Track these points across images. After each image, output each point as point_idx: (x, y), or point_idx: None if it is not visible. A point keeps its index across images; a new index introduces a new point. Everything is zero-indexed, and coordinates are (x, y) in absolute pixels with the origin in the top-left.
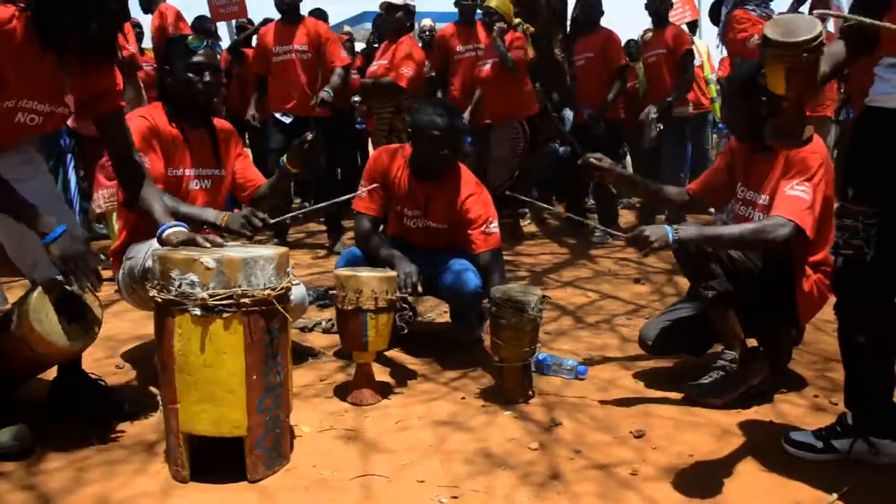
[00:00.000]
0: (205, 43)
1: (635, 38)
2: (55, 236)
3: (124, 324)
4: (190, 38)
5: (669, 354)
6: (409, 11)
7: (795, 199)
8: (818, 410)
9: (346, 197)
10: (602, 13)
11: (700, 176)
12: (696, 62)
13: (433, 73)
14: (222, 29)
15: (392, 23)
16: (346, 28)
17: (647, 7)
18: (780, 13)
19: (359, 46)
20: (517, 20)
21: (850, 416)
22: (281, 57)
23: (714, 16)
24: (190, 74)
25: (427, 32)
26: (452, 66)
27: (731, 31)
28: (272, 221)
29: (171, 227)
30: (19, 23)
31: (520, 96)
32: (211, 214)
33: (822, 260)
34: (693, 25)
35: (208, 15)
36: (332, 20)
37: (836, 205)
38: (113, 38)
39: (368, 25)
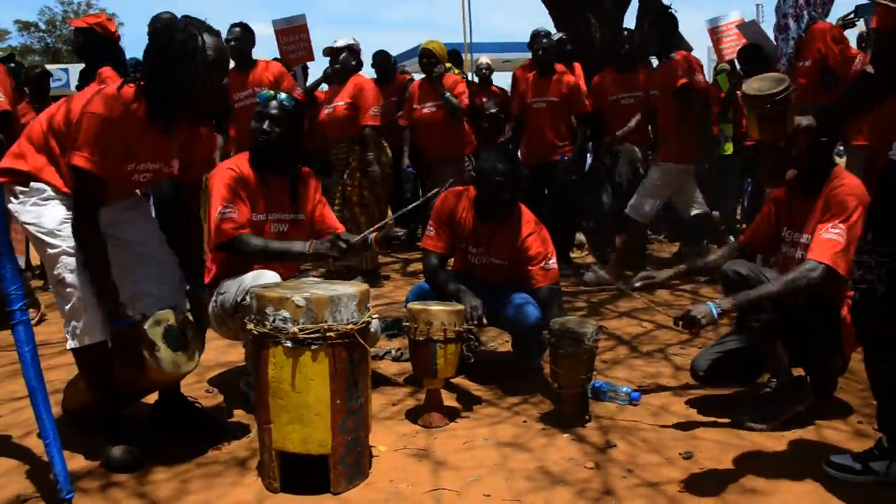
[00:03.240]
0: (272, 96)
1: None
2: (120, 327)
3: (210, 352)
4: (263, 91)
5: (720, 385)
6: (352, 50)
7: (829, 242)
8: (860, 436)
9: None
10: (557, 53)
11: (749, 227)
12: None
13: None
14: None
15: (339, 65)
16: (405, 66)
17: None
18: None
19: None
20: (448, 65)
21: (885, 439)
22: (241, 103)
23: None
24: (254, 123)
25: (484, 70)
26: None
27: (834, 45)
28: (354, 240)
29: None
30: (141, 101)
31: (461, 134)
32: (298, 245)
33: None
34: None
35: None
36: (392, 52)
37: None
38: (202, 105)
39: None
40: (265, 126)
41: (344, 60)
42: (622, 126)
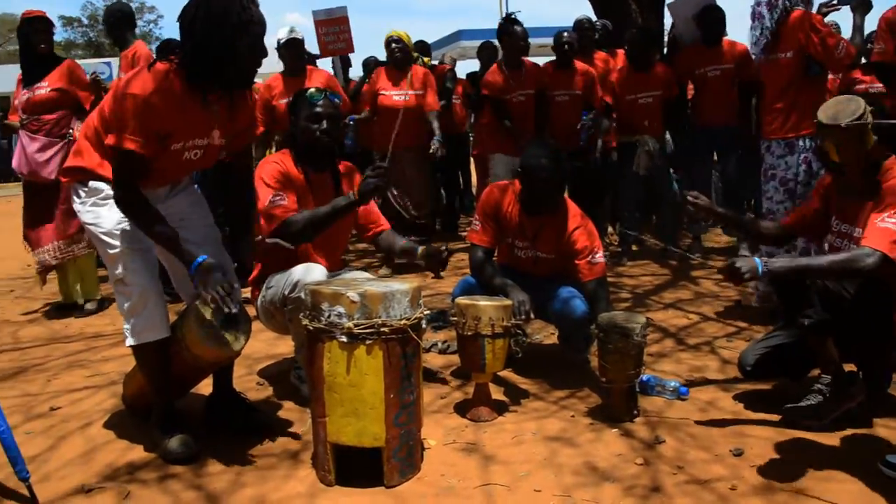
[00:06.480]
0: (323, 94)
1: None
2: (195, 267)
3: (259, 343)
4: (311, 90)
5: (768, 379)
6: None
7: (885, 230)
8: None
9: None
10: (577, 48)
11: (795, 209)
12: None
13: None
14: (326, 64)
15: (296, 58)
16: (448, 57)
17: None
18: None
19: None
20: (416, 54)
21: None
22: None
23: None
24: (310, 124)
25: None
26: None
27: (813, 34)
28: (384, 164)
29: None
30: (175, 75)
31: (424, 124)
32: (341, 200)
33: None
34: None
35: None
36: (428, 40)
37: None
38: (248, 76)
39: (464, 44)
40: (326, 126)
41: (301, 54)
42: (640, 122)
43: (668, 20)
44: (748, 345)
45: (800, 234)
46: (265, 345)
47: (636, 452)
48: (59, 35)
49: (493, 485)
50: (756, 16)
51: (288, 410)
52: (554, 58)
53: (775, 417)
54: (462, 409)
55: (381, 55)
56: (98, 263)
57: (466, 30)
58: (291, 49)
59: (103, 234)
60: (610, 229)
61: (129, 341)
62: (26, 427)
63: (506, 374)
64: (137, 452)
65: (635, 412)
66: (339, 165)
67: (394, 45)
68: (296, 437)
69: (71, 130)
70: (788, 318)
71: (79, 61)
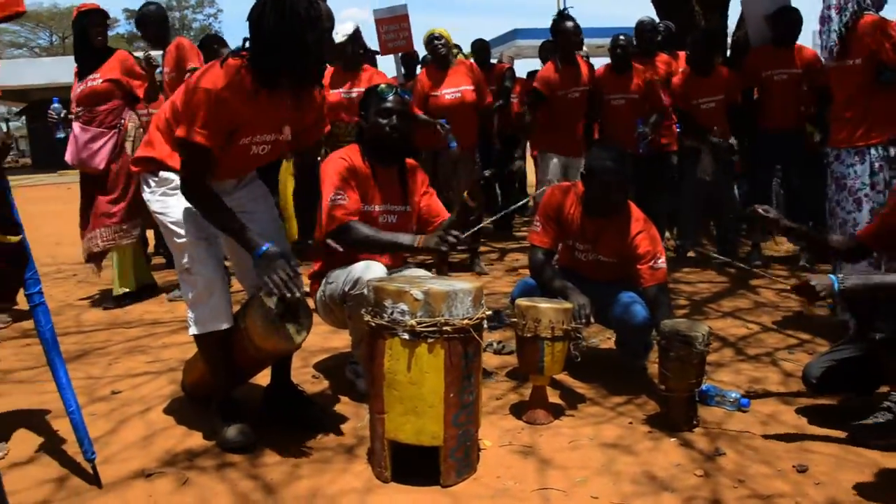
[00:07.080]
0: (394, 90)
1: None
2: (260, 254)
3: (314, 337)
4: (381, 86)
5: (833, 394)
6: (356, 38)
7: None
8: None
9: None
10: (632, 52)
11: (870, 222)
12: None
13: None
14: (389, 61)
15: (350, 57)
16: (506, 56)
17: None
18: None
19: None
20: (455, 50)
21: None
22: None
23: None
24: (379, 119)
25: None
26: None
27: (885, 39)
28: (464, 235)
29: None
30: (246, 71)
31: (475, 124)
32: (406, 238)
33: None
34: None
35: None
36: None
37: None
38: (315, 72)
39: (520, 43)
40: (395, 121)
41: (355, 51)
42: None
43: (731, 22)
44: (814, 357)
45: (875, 247)
46: (320, 338)
47: (696, 464)
48: (123, 27)
49: (549, 489)
50: (825, 19)
51: (343, 405)
52: (609, 60)
53: (841, 434)
54: (518, 410)
55: None
56: (156, 252)
57: (522, 29)
58: (352, 44)
59: (171, 223)
60: (667, 234)
61: (193, 330)
62: (90, 409)
63: (562, 377)
64: (196, 439)
65: (695, 422)
66: (407, 162)
67: (436, 41)
68: (352, 432)
69: (122, 121)
70: (859, 331)
71: (142, 53)
